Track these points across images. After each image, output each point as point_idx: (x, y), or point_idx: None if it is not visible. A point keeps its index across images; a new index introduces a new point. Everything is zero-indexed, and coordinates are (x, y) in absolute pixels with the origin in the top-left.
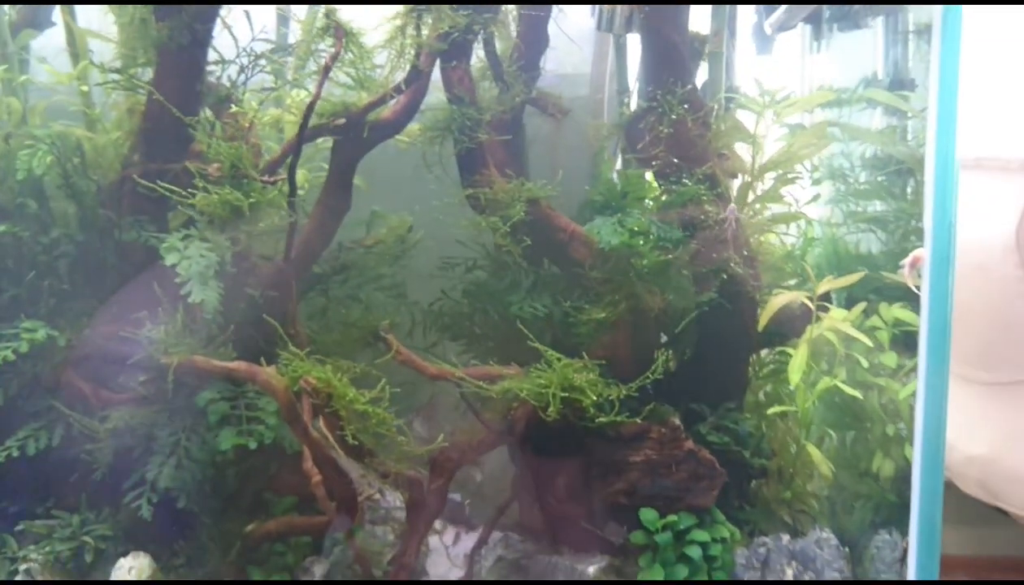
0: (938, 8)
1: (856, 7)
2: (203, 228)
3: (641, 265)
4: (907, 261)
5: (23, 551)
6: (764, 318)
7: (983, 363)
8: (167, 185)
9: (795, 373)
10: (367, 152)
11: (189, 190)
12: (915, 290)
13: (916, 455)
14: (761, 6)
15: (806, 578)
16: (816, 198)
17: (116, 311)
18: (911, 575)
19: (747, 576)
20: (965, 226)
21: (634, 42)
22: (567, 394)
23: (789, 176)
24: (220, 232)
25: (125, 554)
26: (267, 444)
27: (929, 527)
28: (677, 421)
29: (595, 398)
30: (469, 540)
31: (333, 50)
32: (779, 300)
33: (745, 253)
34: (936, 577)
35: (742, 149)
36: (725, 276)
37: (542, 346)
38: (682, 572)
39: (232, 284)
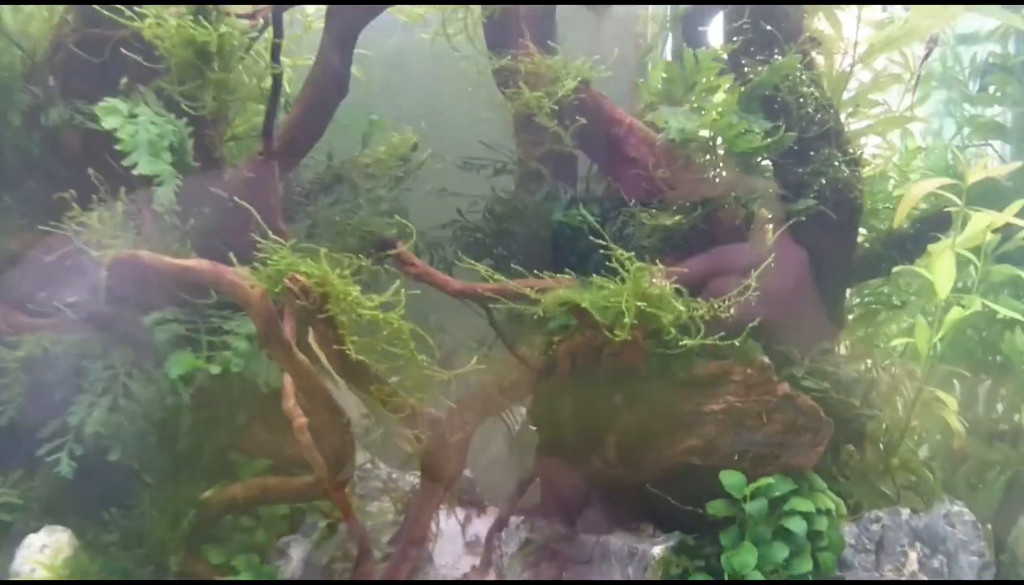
0: None
1: None
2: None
3: (717, 162)
4: None
5: None
6: (901, 213)
7: None
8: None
9: (943, 281)
10: (369, 21)
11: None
12: None
13: None
14: None
15: (935, 564)
16: (924, 98)
17: (37, 209)
18: None
19: (858, 560)
20: None
21: None
22: (644, 305)
23: (893, 73)
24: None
25: (38, 529)
26: (235, 389)
27: None
28: (766, 360)
29: (677, 314)
30: (482, 524)
31: None
32: (922, 187)
33: (850, 151)
34: None
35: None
36: (824, 180)
37: (613, 245)
38: (780, 552)
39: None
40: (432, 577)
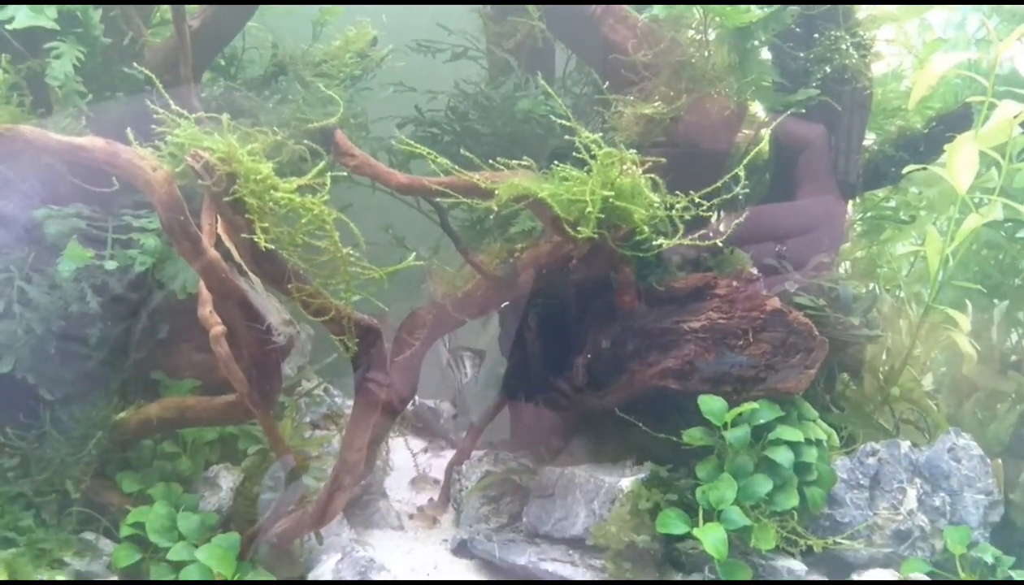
0: None
1: None
2: None
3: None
4: None
5: None
6: (917, 93)
7: None
8: None
9: (963, 175)
10: None
11: None
12: None
13: None
14: None
15: (935, 502)
16: None
17: None
18: None
19: (850, 497)
20: None
21: None
22: (612, 198)
23: None
24: None
25: None
26: (153, 296)
27: None
28: (754, 271)
29: (651, 208)
30: (446, 458)
31: None
32: (944, 61)
33: (860, 35)
34: None
35: None
36: (829, 68)
37: (577, 125)
38: (763, 486)
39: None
40: (383, 511)
